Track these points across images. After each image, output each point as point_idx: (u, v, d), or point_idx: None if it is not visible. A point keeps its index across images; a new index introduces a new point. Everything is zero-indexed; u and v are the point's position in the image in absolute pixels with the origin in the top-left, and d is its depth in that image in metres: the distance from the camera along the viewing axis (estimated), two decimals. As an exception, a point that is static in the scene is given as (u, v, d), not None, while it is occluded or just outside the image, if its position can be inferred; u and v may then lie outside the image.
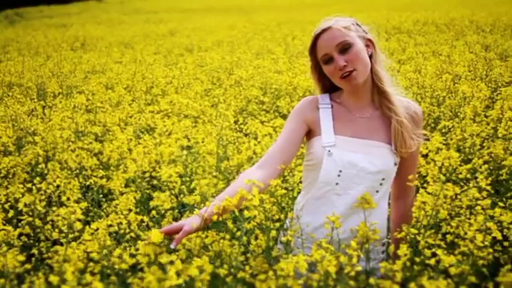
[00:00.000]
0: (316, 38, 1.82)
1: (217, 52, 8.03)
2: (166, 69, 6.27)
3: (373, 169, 1.79)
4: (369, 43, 1.85)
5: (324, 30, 1.81)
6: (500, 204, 1.94)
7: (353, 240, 1.60)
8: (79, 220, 1.85)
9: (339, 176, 1.79)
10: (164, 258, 1.28)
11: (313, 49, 1.85)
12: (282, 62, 6.36)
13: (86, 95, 4.64)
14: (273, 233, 1.72)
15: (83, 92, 4.79)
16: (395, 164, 1.83)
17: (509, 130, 2.82)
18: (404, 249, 1.56)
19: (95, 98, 4.54)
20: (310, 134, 1.88)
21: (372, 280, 1.47)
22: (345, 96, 1.89)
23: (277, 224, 1.74)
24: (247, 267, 1.58)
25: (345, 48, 1.78)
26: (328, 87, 1.91)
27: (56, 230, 1.78)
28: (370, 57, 1.83)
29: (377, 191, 1.81)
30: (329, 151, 1.79)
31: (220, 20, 16.54)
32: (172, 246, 1.51)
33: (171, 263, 1.29)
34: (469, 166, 2.19)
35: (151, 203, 2.11)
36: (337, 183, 1.79)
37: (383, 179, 1.81)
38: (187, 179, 2.59)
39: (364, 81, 1.82)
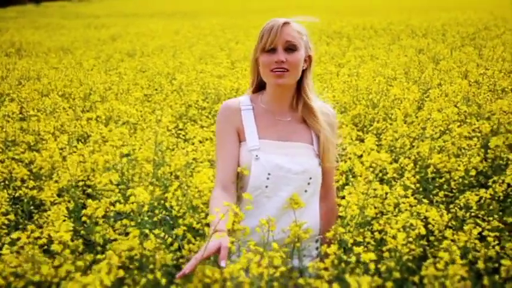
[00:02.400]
0: (272, 28, 1.84)
1: (160, 57, 7.94)
2: (106, 75, 6.12)
3: (299, 169, 1.85)
4: (307, 59, 1.92)
5: (284, 23, 1.85)
6: (425, 201, 2.04)
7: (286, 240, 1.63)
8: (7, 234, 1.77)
9: (268, 179, 1.84)
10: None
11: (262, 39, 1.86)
12: (223, 66, 6.37)
13: (21, 102, 4.45)
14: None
15: (15, 100, 4.59)
16: (319, 164, 1.90)
17: (435, 130, 2.97)
18: (332, 248, 1.61)
19: (29, 105, 4.37)
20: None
21: (301, 280, 1.50)
22: (266, 99, 1.94)
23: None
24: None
25: (291, 48, 1.85)
26: (257, 85, 1.97)
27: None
28: (304, 71, 1.90)
29: (306, 191, 1.87)
30: (256, 156, 1.84)
31: (164, 24, 16.33)
32: (223, 265, 1.50)
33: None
34: (395, 166, 2.28)
35: (84, 212, 2.06)
36: (266, 186, 1.84)
37: (310, 178, 1.88)
38: (123, 186, 2.54)
39: (288, 86, 1.89)
